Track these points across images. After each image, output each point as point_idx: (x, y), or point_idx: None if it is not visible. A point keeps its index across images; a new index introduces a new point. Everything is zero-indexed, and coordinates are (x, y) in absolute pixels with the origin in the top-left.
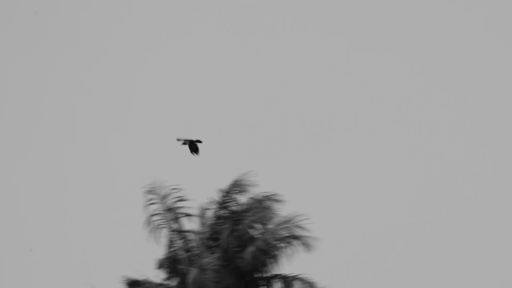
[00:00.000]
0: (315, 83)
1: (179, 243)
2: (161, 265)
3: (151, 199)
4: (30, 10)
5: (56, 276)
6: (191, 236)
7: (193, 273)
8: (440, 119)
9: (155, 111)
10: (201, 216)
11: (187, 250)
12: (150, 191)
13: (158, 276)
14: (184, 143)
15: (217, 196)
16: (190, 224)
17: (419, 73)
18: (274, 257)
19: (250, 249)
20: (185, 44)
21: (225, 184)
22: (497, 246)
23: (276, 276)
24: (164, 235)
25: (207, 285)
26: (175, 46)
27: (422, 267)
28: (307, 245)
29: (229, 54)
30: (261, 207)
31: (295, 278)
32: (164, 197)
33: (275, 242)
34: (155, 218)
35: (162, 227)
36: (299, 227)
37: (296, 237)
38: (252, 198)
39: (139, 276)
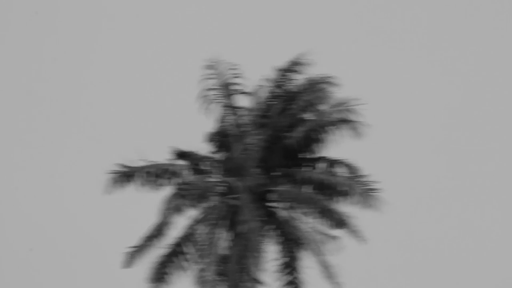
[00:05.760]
0: None
1: (230, 118)
2: (210, 139)
3: (208, 74)
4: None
5: (106, 144)
6: (243, 113)
7: (238, 149)
8: None
9: None
10: (255, 93)
11: (238, 126)
12: (209, 66)
13: (206, 149)
14: None
15: (273, 74)
16: (244, 101)
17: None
18: (323, 139)
19: (300, 129)
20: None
21: (282, 62)
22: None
23: (321, 159)
24: (216, 110)
25: (250, 162)
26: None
27: None
28: (357, 131)
29: None
30: (316, 88)
31: (340, 162)
32: (222, 72)
33: (325, 124)
34: (210, 92)
35: (215, 102)
36: (351, 111)
37: (347, 121)
38: (308, 78)
39: (187, 147)
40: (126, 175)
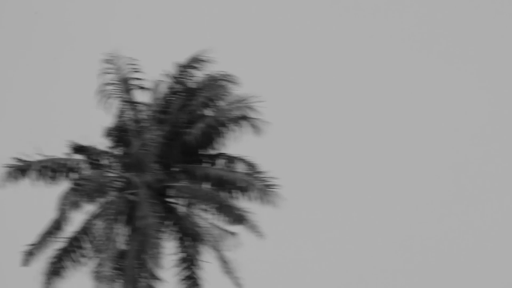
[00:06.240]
0: None
1: (129, 114)
2: (109, 133)
3: (107, 68)
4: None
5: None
6: (142, 108)
7: (137, 144)
8: None
9: None
10: (155, 89)
11: (136, 122)
12: (108, 60)
13: (104, 144)
14: None
15: (173, 70)
16: (143, 97)
17: None
18: (222, 136)
19: (200, 125)
20: None
21: (182, 58)
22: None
23: (220, 155)
24: (115, 105)
25: (149, 157)
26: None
27: None
28: (256, 128)
29: None
30: (216, 85)
31: (239, 158)
32: (121, 67)
33: (225, 121)
34: (108, 87)
35: (114, 97)
36: (251, 108)
37: (246, 118)
38: (208, 75)
39: (85, 142)
40: (21, 170)
